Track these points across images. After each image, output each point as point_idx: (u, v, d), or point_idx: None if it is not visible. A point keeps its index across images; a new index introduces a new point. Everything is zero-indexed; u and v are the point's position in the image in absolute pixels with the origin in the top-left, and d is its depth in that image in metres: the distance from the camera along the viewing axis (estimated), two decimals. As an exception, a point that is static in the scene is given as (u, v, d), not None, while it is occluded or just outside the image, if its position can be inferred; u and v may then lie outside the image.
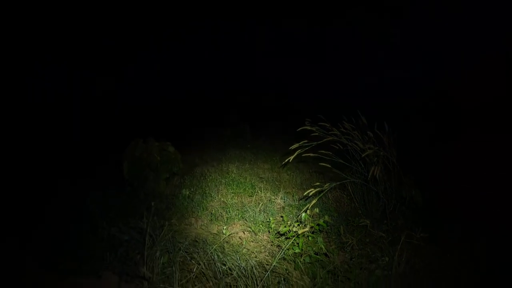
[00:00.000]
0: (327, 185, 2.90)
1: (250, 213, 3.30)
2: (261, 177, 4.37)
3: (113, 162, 4.25)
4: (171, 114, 9.22)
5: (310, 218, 2.60)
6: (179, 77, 12.03)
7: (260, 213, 3.34)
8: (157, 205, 3.28)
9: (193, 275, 2.23)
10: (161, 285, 2.14)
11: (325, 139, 3.27)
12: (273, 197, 3.76)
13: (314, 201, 2.78)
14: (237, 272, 2.26)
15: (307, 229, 2.40)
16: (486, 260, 2.51)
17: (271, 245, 2.79)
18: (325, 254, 2.45)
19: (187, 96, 11.38)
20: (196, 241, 2.70)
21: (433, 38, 10.74)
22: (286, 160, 3.13)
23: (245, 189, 3.89)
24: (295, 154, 3.14)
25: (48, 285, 2.08)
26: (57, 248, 2.67)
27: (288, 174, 4.47)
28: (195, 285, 2.18)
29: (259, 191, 3.84)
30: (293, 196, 3.81)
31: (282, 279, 2.30)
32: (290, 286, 2.25)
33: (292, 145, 3.25)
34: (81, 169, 4.73)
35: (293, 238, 2.42)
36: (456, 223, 2.98)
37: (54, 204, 3.51)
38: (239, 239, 2.88)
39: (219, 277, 2.21)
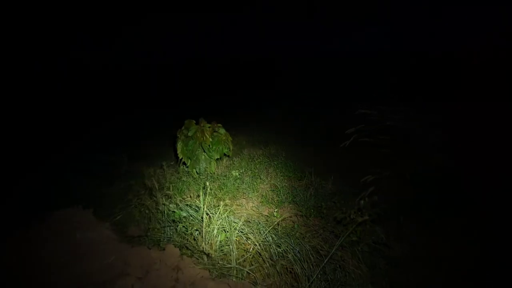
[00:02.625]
0: (386, 172, 2.75)
1: (301, 197, 3.26)
2: (309, 161, 4.27)
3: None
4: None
5: (368, 206, 2.49)
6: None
7: (311, 197, 3.28)
8: (211, 185, 3.37)
9: (250, 255, 2.28)
10: (219, 262, 2.21)
11: (383, 123, 3.09)
12: (323, 181, 3.68)
13: (371, 188, 2.65)
14: (292, 256, 2.26)
15: (366, 217, 2.30)
16: None
17: (324, 230, 2.74)
18: (385, 244, 2.35)
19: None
20: (249, 222, 2.74)
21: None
22: (343, 144, 3.00)
23: (294, 172, 3.84)
24: (351, 139, 3.00)
25: (123, 250, 2.26)
26: (125, 219, 2.90)
27: (338, 159, 4.33)
28: (252, 265, 2.23)
29: (308, 175, 3.77)
30: (344, 181, 3.69)
31: (338, 266, 2.26)
32: (347, 274, 2.21)
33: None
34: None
35: (352, 226, 2.34)
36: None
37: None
38: (291, 223, 2.87)
39: (275, 259, 2.23)
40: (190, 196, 3.07)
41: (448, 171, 2.96)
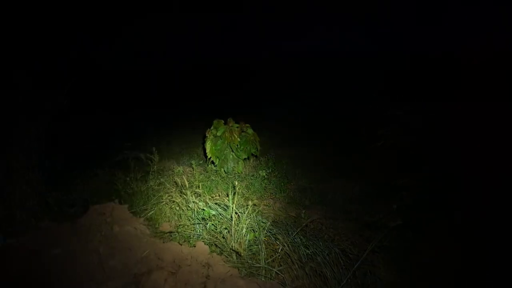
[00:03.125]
0: (412, 175, 2.66)
1: (329, 199, 3.23)
2: (335, 163, 4.22)
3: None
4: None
5: (401, 209, 2.42)
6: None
7: (338, 199, 3.24)
8: (239, 184, 3.42)
9: (279, 256, 2.29)
10: (248, 261, 2.25)
11: (406, 126, 3.00)
12: (350, 184, 3.62)
13: (404, 192, 2.58)
14: (321, 258, 2.25)
15: (399, 222, 2.23)
16: None
17: (353, 234, 2.70)
18: (417, 250, 2.27)
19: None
20: (277, 222, 2.76)
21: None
22: (373, 146, 2.95)
23: (321, 174, 3.81)
24: (382, 141, 2.94)
25: (156, 245, 2.36)
26: (156, 214, 3.01)
27: (364, 161, 4.23)
28: (281, 266, 2.24)
29: (335, 177, 3.73)
30: (371, 184, 3.60)
31: (368, 271, 2.22)
32: (377, 279, 2.16)
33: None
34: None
35: (384, 231, 2.29)
36: None
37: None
38: (319, 225, 2.85)
39: (304, 261, 2.23)
40: (219, 195, 3.12)
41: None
